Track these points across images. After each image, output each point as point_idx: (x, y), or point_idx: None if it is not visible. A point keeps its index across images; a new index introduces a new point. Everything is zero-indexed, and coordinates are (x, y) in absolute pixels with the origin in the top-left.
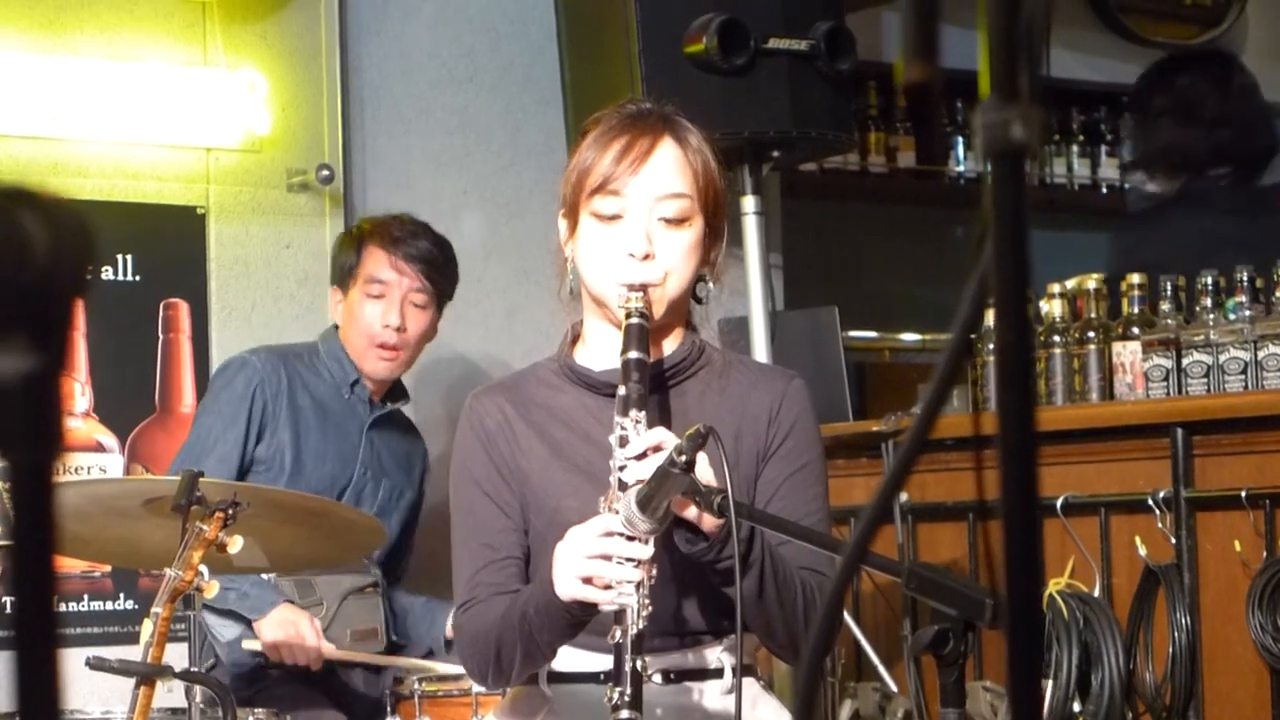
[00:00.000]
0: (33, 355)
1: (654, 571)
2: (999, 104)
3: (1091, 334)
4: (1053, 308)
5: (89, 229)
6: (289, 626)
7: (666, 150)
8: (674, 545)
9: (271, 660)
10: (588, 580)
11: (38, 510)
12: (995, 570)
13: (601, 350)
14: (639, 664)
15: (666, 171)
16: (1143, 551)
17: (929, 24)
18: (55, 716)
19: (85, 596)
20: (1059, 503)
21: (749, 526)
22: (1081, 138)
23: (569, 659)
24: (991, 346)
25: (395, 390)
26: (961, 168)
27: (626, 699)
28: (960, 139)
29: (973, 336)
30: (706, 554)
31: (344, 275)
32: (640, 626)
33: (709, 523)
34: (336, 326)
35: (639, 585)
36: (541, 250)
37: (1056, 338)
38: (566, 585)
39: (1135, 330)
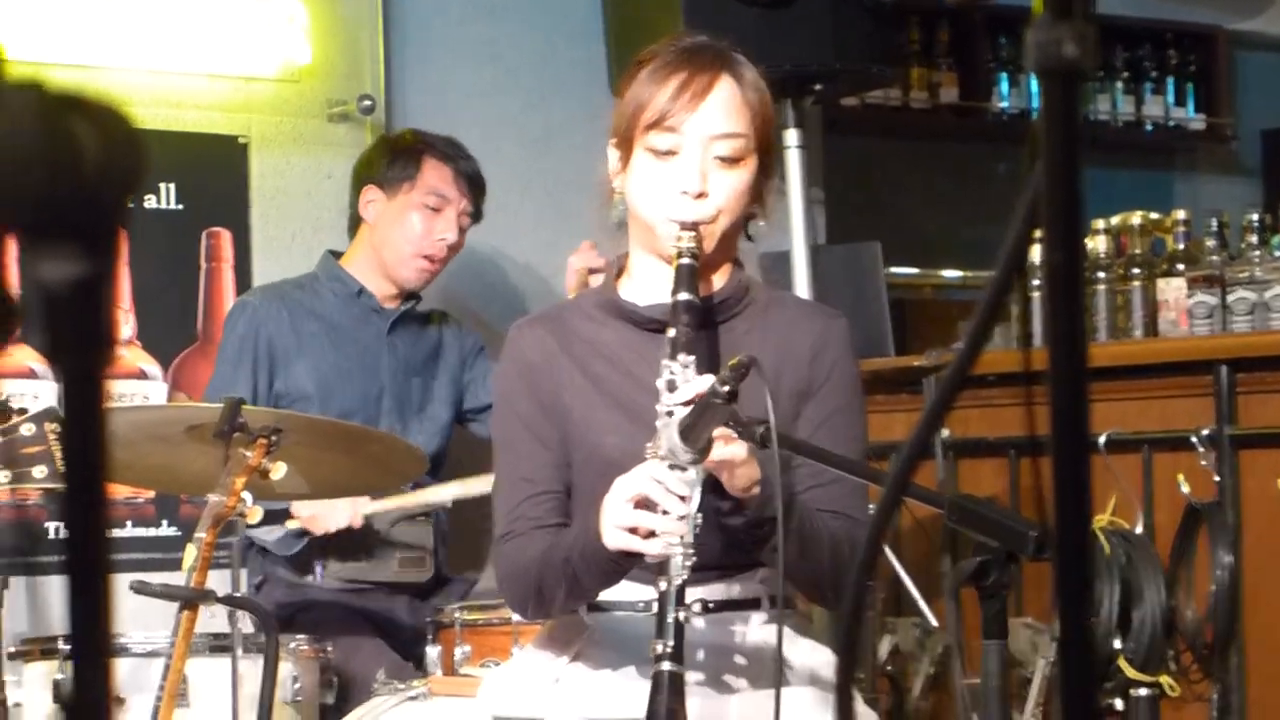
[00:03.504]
0: (84, 262)
1: (699, 520)
2: (1052, 21)
3: (1136, 270)
4: (1096, 244)
5: (141, 138)
6: (323, 501)
7: (724, 88)
8: (706, 489)
9: (316, 539)
10: (633, 530)
11: (89, 417)
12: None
13: (647, 284)
14: (682, 615)
15: (723, 110)
16: (1185, 489)
17: None
18: (108, 640)
19: (128, 523)
20: (1102, 440)
21: (784, 497)
22: (1126, 75)
23: (609, 588)
24: (1036, 281)
25: (405, 293)
26: (1005, 104)
27: (669, 650)
28: (1004, 74)
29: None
30: (745, 517)
31: (395, 180)
32: (684, 578)
33: (740, 481)
34: (333, 253)
35: (682, 536)
36: (574, 184)
37: (1100, 274)
38: (612, 535)
39: (1180, 267)
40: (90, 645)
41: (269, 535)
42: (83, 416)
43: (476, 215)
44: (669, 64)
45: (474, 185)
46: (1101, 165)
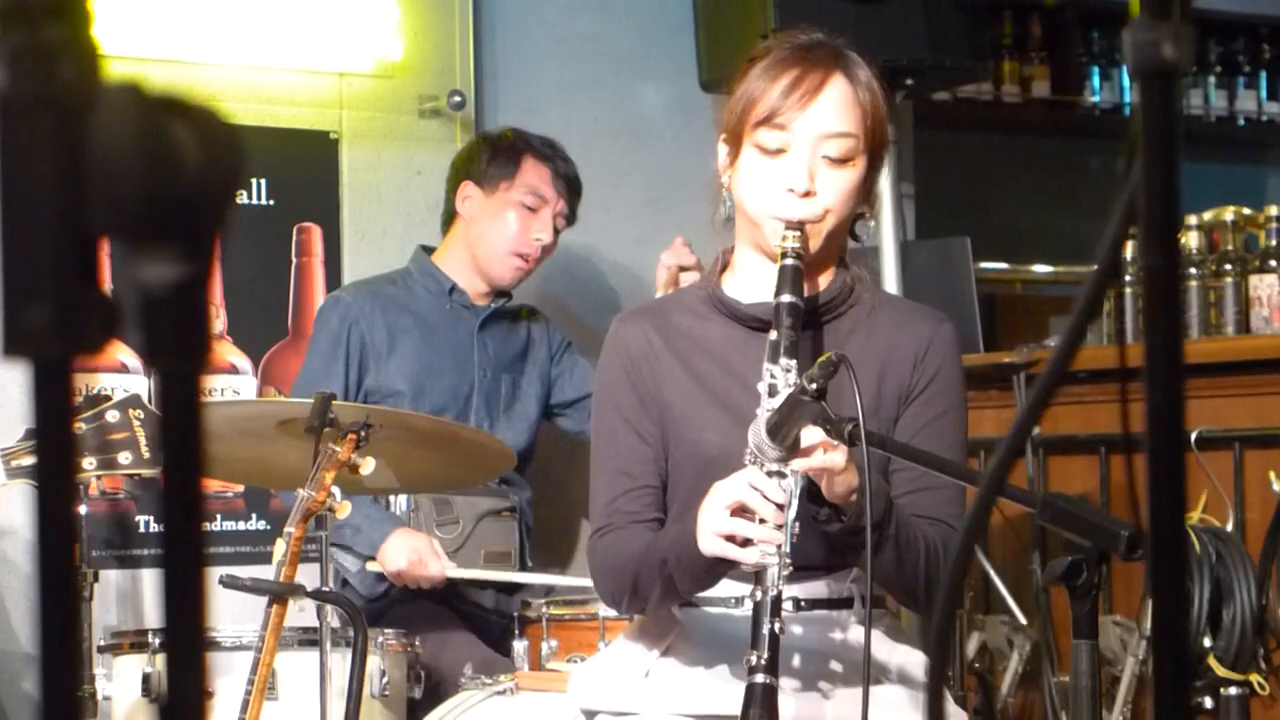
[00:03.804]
0: (182, 266)
1: (796, 529)
2: (1150, 22)
3: (1228, 267)
4: (1189, 240)
5: (240, 142)
6: (411, 554)
7: (836, 87)
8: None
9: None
10: (729, 538)
11: (187, 419)
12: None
13: (751, 281)
14: (777, 626)
15: (835, 110)
16: (1276, 486)
17: None
18: (202, 634)
19: (218, 516)
20: (1193, 436)
21: (882, 504)
22: (1219, 69)
23: None
24: (1129, 277)
25: (497, 290)
26: (1097, 98)
27: (764, 663)
28: (1096, 68)
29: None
30: (842, 524)
31: (493, 177)
32: (780, 588)
33: (839, 487)
34: (425, 248)
35: (779, 545)
36: (670, 179)
37: (1193, 270)
38: (708, 541)
39: (1272, 263)
40: (185, 640)
41: (346, 562)
42: (180, 417)
43: (571, 217)
44: (781, 61)
45: (571, 187)
46: (1194, 160)
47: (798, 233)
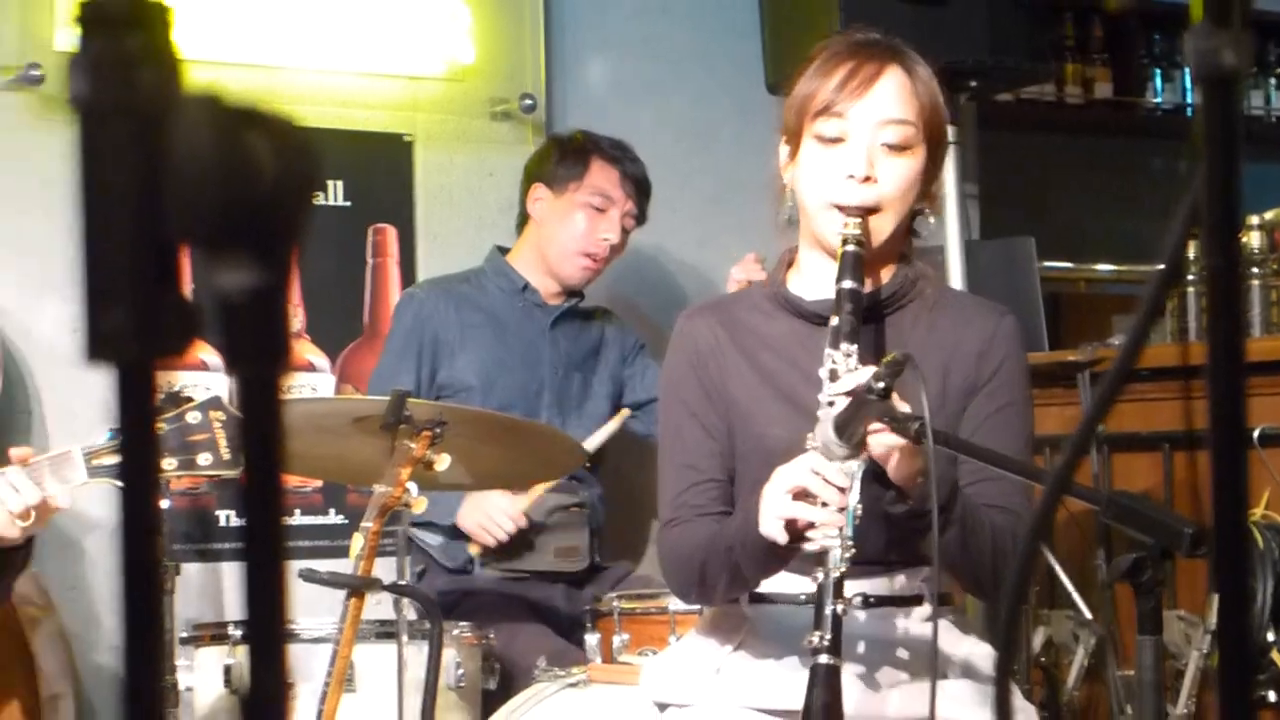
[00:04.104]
0: (261, 273)
1: (858, 513)
2: (1210, 29)
3: None
4: (1250, 239)
5: (315, 151)
6: (479, 513)
7: (893, 77)
8: (869, 481)
9: (482, 553)
10: (791, 522)
11: (267, 422)
12: (1196, 500)
13: (815, 279)
14: (839, 608)
15: (892, 97)
16: None
17: None
18: (282, 627)
19: (296, 511)
20: (1255, 434)
21: (948, 489)
22: (1279, 70)
23: (770, 581)
24: (1191, 277)
25: (568, 290)
26: (1159, 99)
27: (826, 643)
28: (1157, 70)
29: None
30: (907, 509)
31: (562, 179)
32: (842, 570)
33: (904, 469)
34: (500, 249)
35: (840, 529)
36: (733, 180)
37: (1254, 269)
38: (770, 525)
39: None
40: (266, 633)
41: (429, 539)
42: (260, 418)
43: (641, 218)
44: (838, 54)
45: (640, 188)
46: (1255, 160)
47: (858, 220)
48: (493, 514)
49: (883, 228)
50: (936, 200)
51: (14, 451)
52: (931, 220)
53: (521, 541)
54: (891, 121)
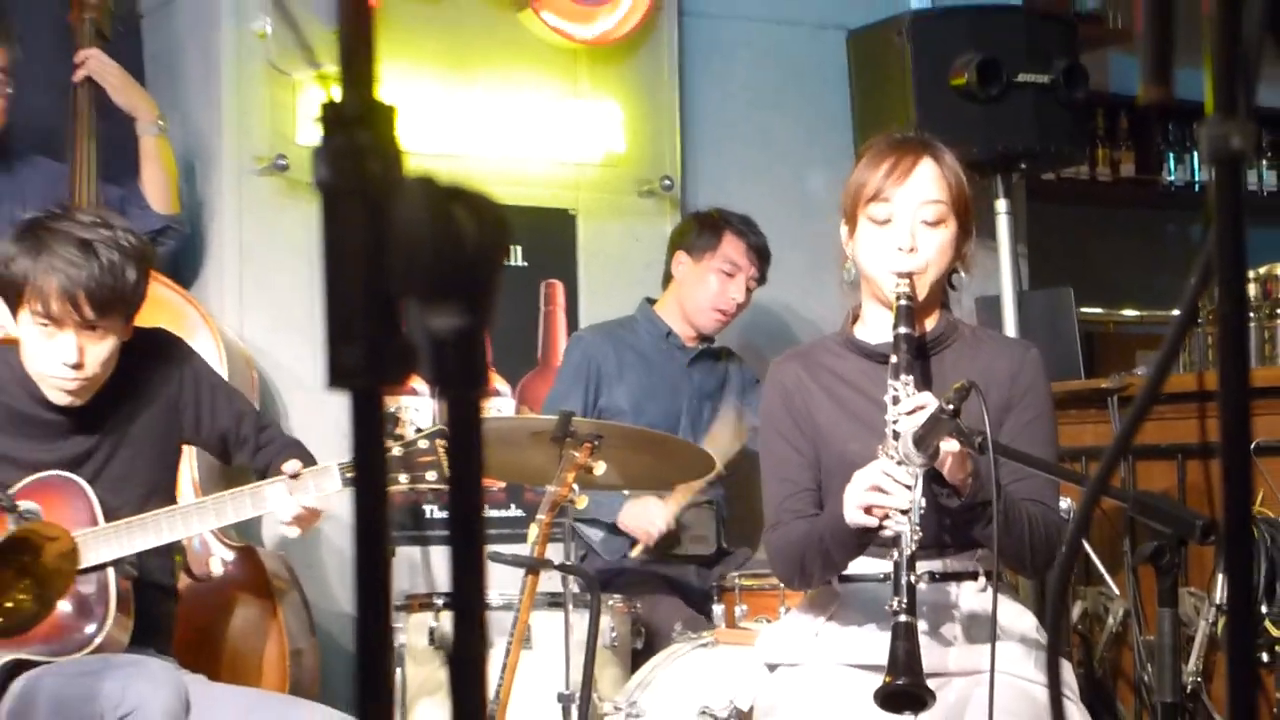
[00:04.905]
0: (466, 316)
1: (923, 505)
2: (1221, 119)
3: None
4: (1246, 290)
5: (506, 219)
6: (639, 515)
7: (926, 166)
8: (929, 481)
9: (639, 558)
10: (868, 510)
11: (469, 436)
12: (1209, 498)
13: (875, 326)
14: (912, 578)
15: (926, 182)
16: None
17: (1166, 58)
18: (483, 596)
19: (485, 506)
20: (1253, 446)
21: (992, 487)
22: (1270, 154)
23: (855, 564)
24: (1200, 320)
25: (703, 335)
26: (1172, 177)
27: (904, 606)
28: (1171, 154)
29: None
30: (961, 501)
31: (700, 248)
32: (913, 549)
33: (959, 472)
34: (649, 300)
35: (909, 515)
36: (826, 246)
37: (1250, 314)
38: (851, 513)
39: None
40: (469, 602)
41: (592, 534)
42: (464, 432)
43: (762, 279)
44: (881, 152)
45: (762, 257)
46: (1251, 226)
47: (907, 280)
48: (652, 516)
49: (926, 285)
50: (968, 259)
51: (286, 466)
52: (964, 277)
53: (666, 533)
54: (928, 202)
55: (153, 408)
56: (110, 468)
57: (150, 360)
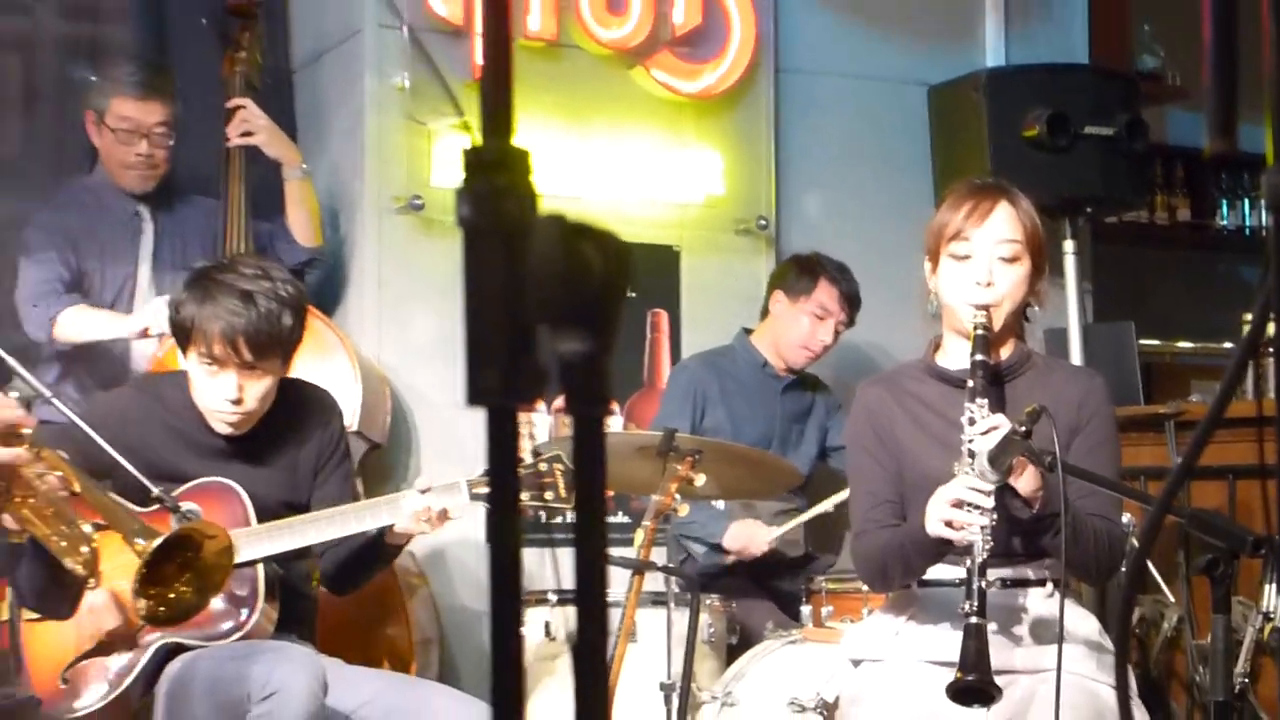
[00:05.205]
0: (592, 342)
1: (994, 518)
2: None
3: None
4: None
5: (628, 254)
6: (744, 538)
7: (1003, 208)
8: (1005, 501)
9: (734, 564)
10: (948, 523)
11: (594, 449)
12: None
13: (954, 354)
14: (984, 584)
15: (1003, 223)
16: None
17: (1231, 114)
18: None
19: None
20: None
21: (1059, 501)
22: None
23: (933, 569)
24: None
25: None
26: (1225, 221)
27: (975, 609)
28: (1225, 200)
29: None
30: (1032, 513)
31: (797, 290)
32: (985, 557)
33: (1027, 487)
34: (745, 330)
35: (983, 528)
36: (910, 283)
37: None
38: (933, 525)
39: None
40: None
41: (695, 548)
42: (589, 446)
43: (850, 323)
44: (962, 196)
45: (853, 304)
46: None
47: (984, 312)
48: (756, 539)
49: (1001, 317)
50: (1041, 294)
51: (418, 482)
52: (1038, 310)
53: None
54: (1004, 240)
55: (298, 451)
56: (256, 486)
57: (310, 413)
